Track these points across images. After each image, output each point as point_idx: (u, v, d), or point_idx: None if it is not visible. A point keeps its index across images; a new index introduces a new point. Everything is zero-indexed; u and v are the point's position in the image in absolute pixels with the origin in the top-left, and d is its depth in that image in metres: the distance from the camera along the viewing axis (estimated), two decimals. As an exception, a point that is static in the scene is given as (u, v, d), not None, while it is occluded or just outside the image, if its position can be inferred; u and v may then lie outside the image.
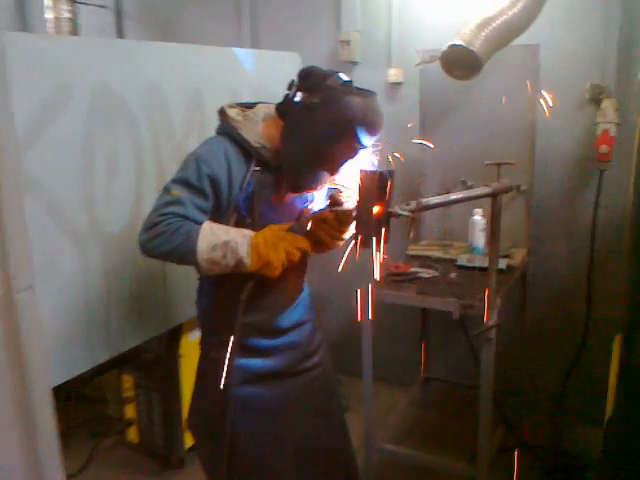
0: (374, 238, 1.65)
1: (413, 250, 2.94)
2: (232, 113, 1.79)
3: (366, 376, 2.66)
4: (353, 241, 1.71)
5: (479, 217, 2.79)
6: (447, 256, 2.88)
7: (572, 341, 3.04)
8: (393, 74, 3.22)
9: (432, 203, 1.85)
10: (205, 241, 1.63)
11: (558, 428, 3.02)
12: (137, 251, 1.69)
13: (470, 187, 2.97)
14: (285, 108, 1.73)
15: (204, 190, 1.68)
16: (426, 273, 2.67)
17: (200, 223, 1.66)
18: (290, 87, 1.74)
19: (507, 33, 2.53)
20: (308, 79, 1.71)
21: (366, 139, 1.67)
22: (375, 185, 1.63)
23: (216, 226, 1.67)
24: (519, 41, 2.64)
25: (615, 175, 2.79)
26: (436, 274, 2.67)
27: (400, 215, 1.71)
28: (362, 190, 1.65)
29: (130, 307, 2.23)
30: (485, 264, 2.68)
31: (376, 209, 1.64)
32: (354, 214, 1.70)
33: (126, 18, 3.98)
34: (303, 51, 3.14)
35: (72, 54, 1.92)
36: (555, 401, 3.11)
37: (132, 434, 2.94)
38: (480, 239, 2.81)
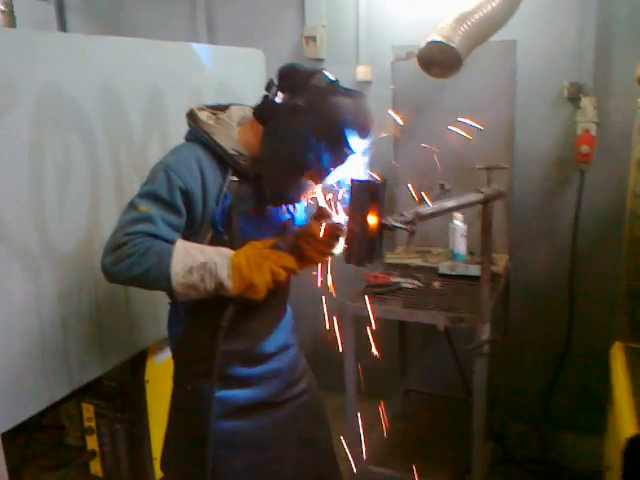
0: (367, 253, 1.51)
1: (391, 258, 2.79)
2: (203, 116, 1.59)
3: (350, 395, 2.50)
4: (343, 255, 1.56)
5: (459, 222, 2.67)
6: (427, 264, 2.74)
7: (555, 347, 2.96)
8: (362, 72, 3.07)
9: (427, 213, 1.71)
10: (180, 263, 1.44)
11: (544, 438, 2.94)
12: (96, 271, 1.50)
13: (448, 191, 2.86)
14: (265, 111, 1.55)
15: (176, 205, 1.48)
16: (408, 283, 2.52)
17: (172, 242, 1.46)
18: (269, 87, 1.55)
19: (486, 28, 2.41)
20: (290, 78, 1.53)
21: (356, 144, 1.51)
22: (368, 196, 1.48)
23: (190, 245, 1.48)
24: (495, 37, 2.52)
25: (596, 176, 2.72)
26: (419, 284, 2.53)
27: (395, 228, 1.56)
28: (354, 201, 1.49)
29: (91, 334, 1.99)
30: (468, 272, 2.58)
31: (370, 221, 1.49)
32: (345, 227, 1.53)
33: (69, 11, 3.69)
34: (264, 48, 2.94)
35: (13, 49, 1.67)
36: (540, 410, 3.02)
37: (95, 466, 2.69)
38: (461, 245, 2.69)
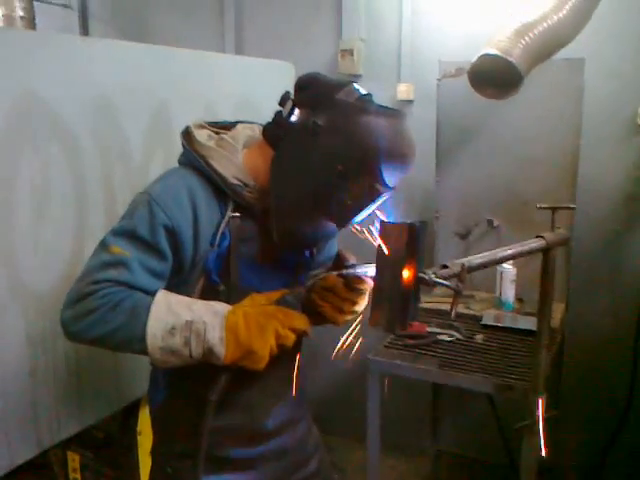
0: (399, 315, 1.17)
1: (427, 302, 2.43)
2: (201, 136, 1.29)
3: (372, 462, 2.13)
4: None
5: (509, 266, 2.30)
6: (469, 312, 2.37)
7: (612, 412, 2.55)
8: (403, 90, 2.75)
9: (476, 263, 1.35)
10: (159, 321, 1.13)
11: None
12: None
13: (497, 228, 2.50)
14: (277, 131, 1.24)
15: (158, 246, 1.18)
16: (446, 335, 2.16)
17: (152, 294, 1.15)
18: (284, 102, 1.24)
19: (550, 42, 2.06)
20: (310, 91, 1.23)
21: (392, 177, 1.18)
22: (402, 242, 1.14)
23: (175, 299, 1.17)
24: (560, 54, 2.17)
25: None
26: (459, 336, 2.16)
27: (437, 284, 1.22)
28: (384, 248, 1.15)
29: (67, 385, 1.70)
30: (518, 324, 2.21)
31: (404, 275, 1.15)
32: (372, 281, 1.20)
33: (92, 20, 3.48)
34: (296, 61, 2.65)
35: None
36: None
37: (81, 524, 2.38)
38: (510, 291, 2.33)
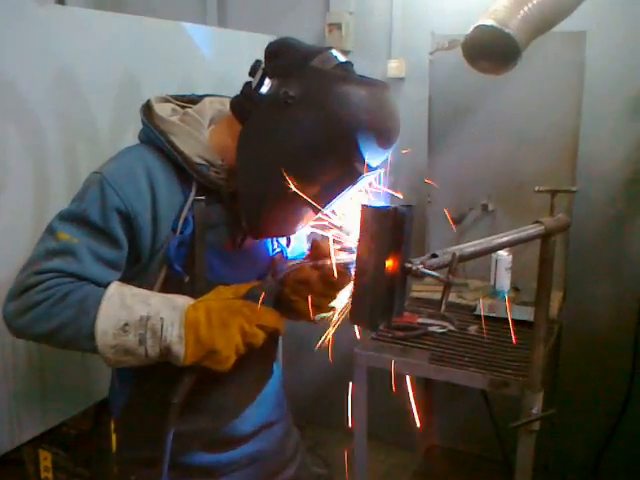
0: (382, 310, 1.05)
1: (418, 291, 2.32)
2: (163, 110, 1.16)
3: (359, 446, 2.02)
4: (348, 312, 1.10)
5: (504, 252, 2.18)
6: (463, 301, 2.26)
7: (611, 406, 2.46)
8: (394, 67, 2.60)
9: (469, 252, 1.23)
10: (110, 317, 1.01)
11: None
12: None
13: (492, 212, 2.38)
14: (245, 104, 1.10)
15: (111, 232, 1.06)
16: (438, 327, 2.04)
17: (105, 285, 1.03)
18: (254, 71, 1.10)
19: (550, 14, 1.92)
20: (282, 58, 1.10)
21: (374, 155, 1.05)
22: (386, 228, 1.01)
23: (130, 291, 1.05)
24: (560, 26, 2.03)
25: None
26: (451, 327, 2.05)
27: (424, 275, 1.10)
28: (366, 236, 1.03)
29: (29, 383, 1.58)
30: (513, 315, 2.08)
31: (388, 265, 1.03)
32: (352, 272, 1.07)
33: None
34: (281, 35, 2.50)
35: None
36: (587, 477, 2.52)
37: (54, 524, 2.28)
38: (505, 280, 2.21)
